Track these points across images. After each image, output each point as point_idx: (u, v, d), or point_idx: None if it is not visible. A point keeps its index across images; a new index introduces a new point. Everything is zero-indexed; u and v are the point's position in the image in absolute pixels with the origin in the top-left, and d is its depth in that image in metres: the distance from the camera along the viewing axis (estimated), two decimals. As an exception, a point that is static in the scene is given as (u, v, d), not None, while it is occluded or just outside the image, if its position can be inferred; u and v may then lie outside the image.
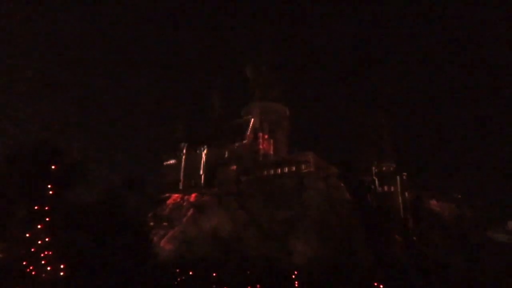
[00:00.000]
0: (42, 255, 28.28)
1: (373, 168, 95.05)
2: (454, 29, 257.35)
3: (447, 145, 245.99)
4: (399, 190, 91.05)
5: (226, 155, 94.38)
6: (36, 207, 29.23)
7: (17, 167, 31.02)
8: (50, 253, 28.59)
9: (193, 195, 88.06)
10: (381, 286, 63.13)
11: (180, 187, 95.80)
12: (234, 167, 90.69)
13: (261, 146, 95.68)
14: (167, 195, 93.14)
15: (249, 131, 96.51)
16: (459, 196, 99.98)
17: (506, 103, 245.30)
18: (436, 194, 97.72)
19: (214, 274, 55.32)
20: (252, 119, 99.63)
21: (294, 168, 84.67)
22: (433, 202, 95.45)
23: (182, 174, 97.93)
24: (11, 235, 28.33)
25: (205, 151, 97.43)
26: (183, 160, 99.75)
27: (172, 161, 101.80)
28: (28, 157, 31.42)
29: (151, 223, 76.53)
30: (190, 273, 54.16)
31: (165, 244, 73.93)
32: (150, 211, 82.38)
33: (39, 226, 28.68)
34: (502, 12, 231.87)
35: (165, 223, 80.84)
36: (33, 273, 27.51)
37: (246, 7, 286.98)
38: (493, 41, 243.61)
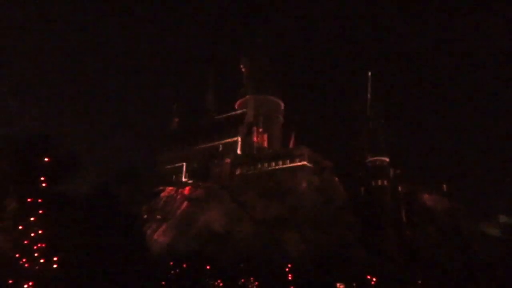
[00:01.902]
0: (35, 247, 28.20)
1: (367, 162, 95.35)
2: (451, 25, 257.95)
3: (440, 139, 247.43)
4: (392, 184, 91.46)
5: (220, 149, 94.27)
6: (29, 200, 29.11)
7: (10, 159, 30.84)
8: (43, 245, 28.50)
9: (187, 188, 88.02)
10: (374, 279, 63.64)
11: (174, 180, 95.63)
12: (228, 160, 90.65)
13: (255, 140, 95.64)
14: (161, 188, 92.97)
15: (243, 125, 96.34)
16: (452, 190, 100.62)
17: (500, 97, 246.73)
18: (429, 188, 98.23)
19: (207, 267, 55.44)
20: (247, 113, 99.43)
21: (288, 162, 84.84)
22: (426, 196, 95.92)
23: (176, 167, 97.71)
24: (3, 227, 28.21)
25: (199, 144, 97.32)
26: (177, 153, 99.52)
27: (166, 154, 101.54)
28: (21, 149, 31.24)
29: (145, 216, 76.54)
30: (184, 266, 54.24)
31: (158, 237, 73.99)
32: (143, 204, 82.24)
33: (32, 219, 28.56)
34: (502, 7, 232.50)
35: (158, 216, 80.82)
36: (26, 265, 27.45)
37: None
38: (489, 37, 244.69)
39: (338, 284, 62.09)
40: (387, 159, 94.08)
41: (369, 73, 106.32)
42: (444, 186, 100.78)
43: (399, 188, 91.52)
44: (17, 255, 27.41)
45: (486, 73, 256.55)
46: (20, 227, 28.04)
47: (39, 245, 28.45)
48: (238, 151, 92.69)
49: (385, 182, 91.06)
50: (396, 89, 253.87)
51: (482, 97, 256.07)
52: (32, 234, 28.24)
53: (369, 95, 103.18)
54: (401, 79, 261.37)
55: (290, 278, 59.02)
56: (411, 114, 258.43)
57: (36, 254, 28.15)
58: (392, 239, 79.62)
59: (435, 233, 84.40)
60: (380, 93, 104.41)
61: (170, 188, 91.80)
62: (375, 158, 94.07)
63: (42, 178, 30.30)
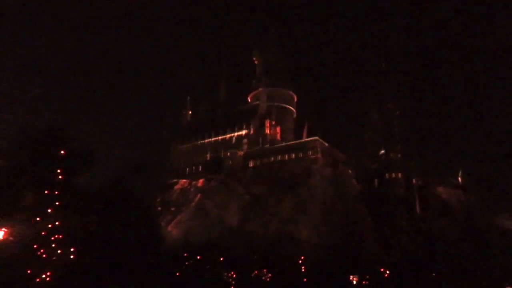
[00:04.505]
0: (52, 238, 28.66)
1: (380, 154, 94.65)
2: (460, 21, 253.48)
3: (455, 131, 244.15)
4: (406, 176, 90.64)
5: (233, 141, 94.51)
6: (46, 192, 29.54)
7: (27, 152, 31.31)
8: (60, 236, 28.97)
9: (201, 180, 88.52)
10: (388, 272, 63.48)
11: (188, 172, 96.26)
12: (241, 153, 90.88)
13: (268, 132, 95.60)
14: (174, 180, 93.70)
15: (256, 117, 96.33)
16: (467, 183, 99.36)
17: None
18: (444, 181, 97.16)
19: (221, 259, 55.86)
20: (259, 105, 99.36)
21: (301, 155, 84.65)
22: (441, 189, 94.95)
23: (190, 159, 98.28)
24: (22, 219, 28.71)
25: (212, 137, 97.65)
26: (190, 145, 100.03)
27: (180, 147, 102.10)
28: (38, 142, 31.67)
29: (159, 208, 77.35)
30: (198, 257, 54.73)
31: (172, 228, 74.68)
32: (158, 196, 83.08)
33: (49, 210, 29.01)
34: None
35: (172, 208, 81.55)
36: (44, 256, 27.93)
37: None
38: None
39: (351, 277, 62.05)
40: (401, 152, 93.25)
41: (383, 65, 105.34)
42: (459, 178, 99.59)
43: (413, 181, 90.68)
44: (35, 246, 27.88)
45: (504, 62, 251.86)
46: (37, 219, 28.49)
47: (56, 236, 28.90)
48: (251, 144, 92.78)
49: (399, 175, 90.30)
50: (411, 80, 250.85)
51: (498, 89, 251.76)
52: (50, 226, 28.67)
53: (383, 87, 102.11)
54: (415, 70, 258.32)
55: (303, 270, 59.17)
56: (426, 106, 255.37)
57: (53, 245, 28.59)
58: (406, 232, 79.11)
59: (450, 226, 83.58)
60: (394, 85, 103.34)
61: (184, 180, 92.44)
62: (389, 150, 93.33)
63: (59, 171, 30.72)
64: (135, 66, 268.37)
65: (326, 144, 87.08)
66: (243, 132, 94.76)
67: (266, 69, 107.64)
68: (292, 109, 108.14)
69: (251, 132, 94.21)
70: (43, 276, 27.43)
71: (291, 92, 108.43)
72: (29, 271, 27.13)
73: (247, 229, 71.93)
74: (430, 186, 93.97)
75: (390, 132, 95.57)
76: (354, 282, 62.50)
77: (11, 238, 27.65)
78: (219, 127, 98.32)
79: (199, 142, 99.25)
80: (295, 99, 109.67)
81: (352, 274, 62.35)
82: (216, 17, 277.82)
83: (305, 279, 58.12)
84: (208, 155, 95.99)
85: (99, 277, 32.68)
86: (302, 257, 60.71)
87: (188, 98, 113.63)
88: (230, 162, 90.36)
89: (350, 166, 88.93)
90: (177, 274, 49.21)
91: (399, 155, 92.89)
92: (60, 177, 30.71)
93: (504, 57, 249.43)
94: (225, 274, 55.79)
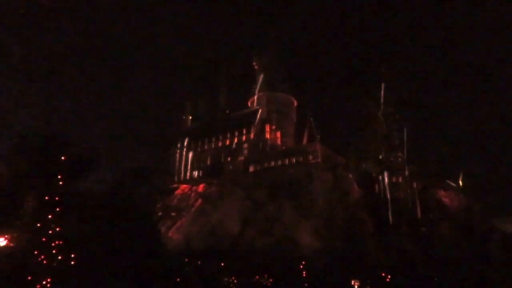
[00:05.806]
0: (52, 244, 28.63)
1: (381, 158, 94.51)
2: (468, 18, 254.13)
3: (456, 134, 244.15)
4: (407, 180, 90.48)
5: (234, 146, 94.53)
6: (46, 198, 29.54)
7: (27, 158, 31.33)
8: (61, 242, 28.94)
9: (201, 185, 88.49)
10: (389, 277, 63.30)
11: (188, 177, 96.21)
12: (242, 158, 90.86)
13: (268, 137, 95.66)
14: (175, 185, 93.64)
15: (256, 122, 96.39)
16: (467, 187, 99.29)
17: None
18: (445, 185, 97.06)
19: (222, 264, 55.73)
20: (260, 110, 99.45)
21: (301, 159, 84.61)
22: (442, 193, 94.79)
23: (190, 165, 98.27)
24: (22, 225, 28.70)
25: (213, 142, 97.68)
26: (191, 151, 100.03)
27: (180, 152, 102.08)
28: (38, 148, 31.72)
29: (160, 213, 77.22)
30: (199, 262, 54.61)
31: (173, 234, 74.54)
32: (158, 201, 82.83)
33: (49, 216, 29.00)
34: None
35: (173, 214, 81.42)
36: (44, 262, 27.89)
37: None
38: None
39: (353, 281, 61.86)
40: (401, 155, 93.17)
41: (383, 68, 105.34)
42: (460, 182, 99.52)
43: (414, 185, 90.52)
44: (35, 252, 27.86)
45: (504, 64, 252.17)
46: (38, 225, 28.49)
47: (56, 242, 28.87)
48: (251, 149, 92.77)
49: (400, 179, 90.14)
50: (411, 83, 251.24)
51: (498, 91, 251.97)
52: (50, 232, 28.66)
53: (383, 90, 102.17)
54: (416, 73, 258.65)
55: (304, 275, 58.99)
56: (426, 109, 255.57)
57: (53, 251, 28.56)
58: (407, 236, 78.90)
59: (451, 230, 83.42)
60: (394, 88, 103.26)
61: (184, 185, 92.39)
62: (390, 154, 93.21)
63: (59, 177, 30.74)
64: (135, 70, 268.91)
65: (327, 148, 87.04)
66: (244, 137, 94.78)
67: (266, 74, 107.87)
68: (292, 113, 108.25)
69: (251, 137, 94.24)
70: (44, 282, 27.39)
71: (290, 97, 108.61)
72: (29, 278, 27.09)
73: (247, 234, 71.76)
74: (431, 190, 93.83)
75: (390, 136, 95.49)
76: (356, 287, 62.29)
77: (12, 245, 27.65)
78: (219, 132, 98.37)
79: (199, 147, 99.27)
80: (295, 104, 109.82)
81: (353, 279, 62.15)
82: (217, 22, 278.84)
83: (306, 284, 57.93)
84: (208, 160, 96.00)
85: (99, 283, 32.60)
86: (303, 262, 60.54)
87: (188, 103, 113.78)
88: (231, 167, 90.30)
89: (350, 170, 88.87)
90: (178, 279, 49.06)
91: (400, 159, 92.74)
92: (60, 183, 30.73)
93: (505, 58, 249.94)
94: (226, 279, 55.61)
